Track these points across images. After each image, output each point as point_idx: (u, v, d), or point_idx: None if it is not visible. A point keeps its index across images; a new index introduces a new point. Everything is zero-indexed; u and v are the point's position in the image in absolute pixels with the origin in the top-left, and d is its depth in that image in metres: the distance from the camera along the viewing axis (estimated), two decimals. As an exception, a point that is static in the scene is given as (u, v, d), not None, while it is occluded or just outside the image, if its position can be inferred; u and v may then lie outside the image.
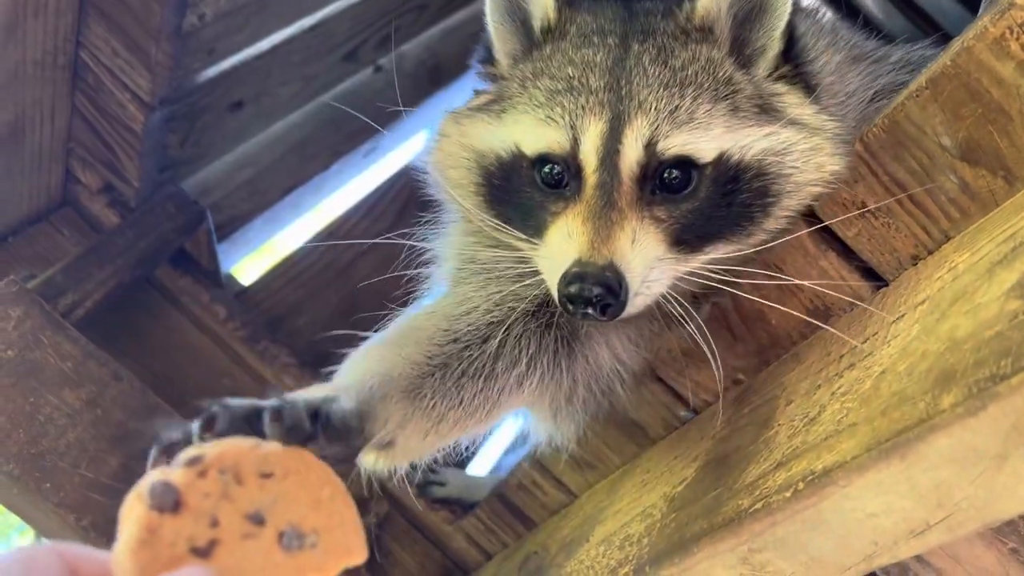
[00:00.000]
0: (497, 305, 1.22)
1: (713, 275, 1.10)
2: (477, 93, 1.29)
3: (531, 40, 1.25)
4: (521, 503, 1.67)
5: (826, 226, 1.08)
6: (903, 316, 0.94)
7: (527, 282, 1.18)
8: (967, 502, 0.72)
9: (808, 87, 1.15)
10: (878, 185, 1.01)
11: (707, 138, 1.08)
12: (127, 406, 1.44)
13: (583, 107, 1.10)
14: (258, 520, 0.62)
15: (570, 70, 1.14)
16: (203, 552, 0.60)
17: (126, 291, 1.73)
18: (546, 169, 1.13)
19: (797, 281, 1.11)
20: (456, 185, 1.23)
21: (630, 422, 1.42)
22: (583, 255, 1.04)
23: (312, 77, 2.24)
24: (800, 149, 1.08)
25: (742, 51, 1.16)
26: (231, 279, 2.18)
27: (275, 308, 2.20)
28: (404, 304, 1.35)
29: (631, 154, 1.07)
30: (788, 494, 0.85)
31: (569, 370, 1.25)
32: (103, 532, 1.32)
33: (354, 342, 1.56)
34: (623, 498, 1.35)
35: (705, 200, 1.08)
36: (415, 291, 1.41)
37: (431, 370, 1.15)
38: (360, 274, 2.32)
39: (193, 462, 0.63)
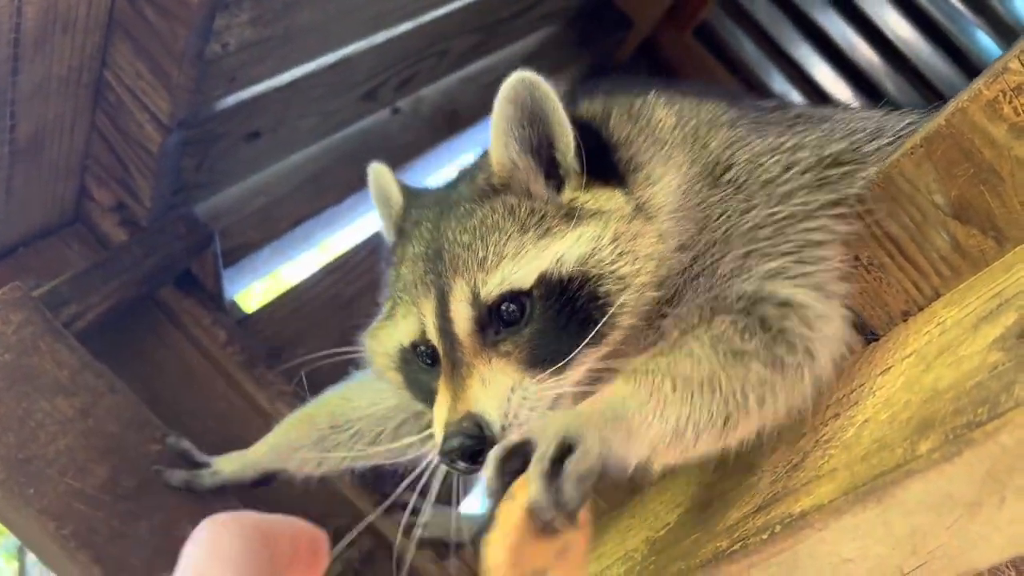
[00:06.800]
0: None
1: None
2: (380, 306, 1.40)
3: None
4: (506, 545, 1.66)
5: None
6: (890, 368, 0.95)
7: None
8: (941, 550, 0.72)
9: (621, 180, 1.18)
10: (871, 239, 1.03)
11: (519, 266, 1.13)
12: (120, 419, 1.44)
13: (419, 297, 1.20)
14: None
15: (404, 268, 1.25)
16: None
17: (129, 307, 1.74)
18: (419, 351, 1.23)
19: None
20: (399, 386, 1.32)
21: (619, 468, 1.41)
22: (445, 420, 1.11)
23: (331, 113, 2.28)
24: (606, 240, 1.11)
25: (555, 174, 1.20)
26: (235, 306, 2.19)
27: (276, 337, 2.20)
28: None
29: (462, 314, 1.14)
30: (765, 536, 0.85)
31: None
32: (83, 542, 1.31)
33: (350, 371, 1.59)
34: (607, 542, 1.34)
35: (544, 319, 1.11)
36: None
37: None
38: (363, 309, 2.34)
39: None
